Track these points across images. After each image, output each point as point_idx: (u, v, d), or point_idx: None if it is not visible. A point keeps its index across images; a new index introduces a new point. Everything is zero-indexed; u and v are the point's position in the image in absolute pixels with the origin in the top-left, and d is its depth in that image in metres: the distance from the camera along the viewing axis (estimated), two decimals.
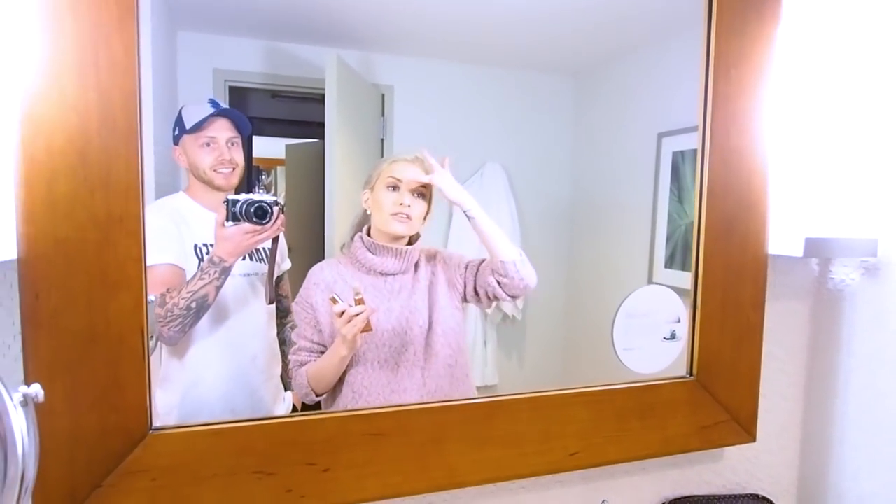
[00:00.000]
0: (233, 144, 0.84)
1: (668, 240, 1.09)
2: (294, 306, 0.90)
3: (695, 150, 0.97)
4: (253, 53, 0.91)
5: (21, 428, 0.47)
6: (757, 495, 1.05)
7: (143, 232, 0.68)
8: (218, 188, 0.83)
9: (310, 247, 0.97)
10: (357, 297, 0.84)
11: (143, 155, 0.68)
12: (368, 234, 0.92)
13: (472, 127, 1.07)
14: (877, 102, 0.97)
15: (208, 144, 0.82)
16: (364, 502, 0.80)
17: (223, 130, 0.83)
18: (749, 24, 0.94)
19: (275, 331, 0.90)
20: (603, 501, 0.91)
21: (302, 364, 0.89)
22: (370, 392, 0.88)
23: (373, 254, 0.90)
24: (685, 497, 1.02)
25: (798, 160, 1.00)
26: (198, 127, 0.81)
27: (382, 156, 1.01)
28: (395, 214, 0.90)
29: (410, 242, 0.93)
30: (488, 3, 1.02)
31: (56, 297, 0.64)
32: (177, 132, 0.81)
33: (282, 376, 0.90)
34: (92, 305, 0.66)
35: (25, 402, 0.47)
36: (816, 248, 0.96)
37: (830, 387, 1.06)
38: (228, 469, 0.73)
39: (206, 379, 0.83)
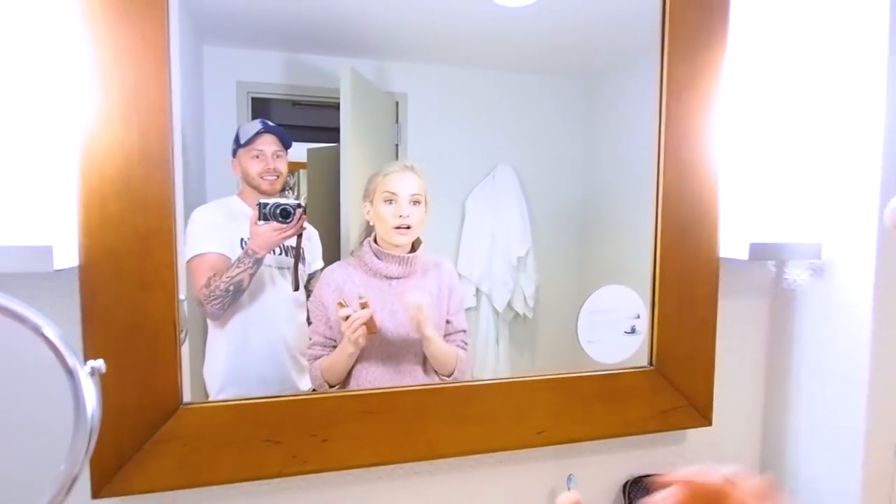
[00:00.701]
0: (277, 157, 0.98)
1: None
2: (309, 305, 1.01)
3: None
4: (273, 65, 0.98)
5: (90, 393, 0.62)
6: None
7: (175, 243, 0.84)
8: (264, 192, 0.98)
9: (329, 243, 1.04)
10: (361, 302, 0.97)
11: (176, 180, 0.84)
12: (375, 241, 1.01)
13: (484, 130, 1.11)
14: (815, 119, 1.08)
15: (257, 156, 0.97)
16: (357, 468, 0.95)
17: (269, 144, 0.98)
18: (698, 52, 1.06)
19: (304, 316, 1.02)
20: (569, 475, 1.03)
21: (316, 358, 1.00)
22: (368, 388, 1.00)
23: (379, 259, 1.01)
24: (649, 475, 1.13)
25: (746, 171, 1.11)
26: (249, 142, 0.97)
27: (397, 159, 1.08)
28: (397, 228, 1.00)
29: (414, 247, 1.03)
30: (498, 10, 1.06)
31: (106, 296, 0.81)
32: (234, 147, 0.97)
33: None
34: (134, 303, 0.82)
35: (93, 372, 0.63)
36: (762, 252, 1.07)
37: (784, 377, 1.17)
38: (244, 438, 0.88)
39: (243, 350, 0.97)
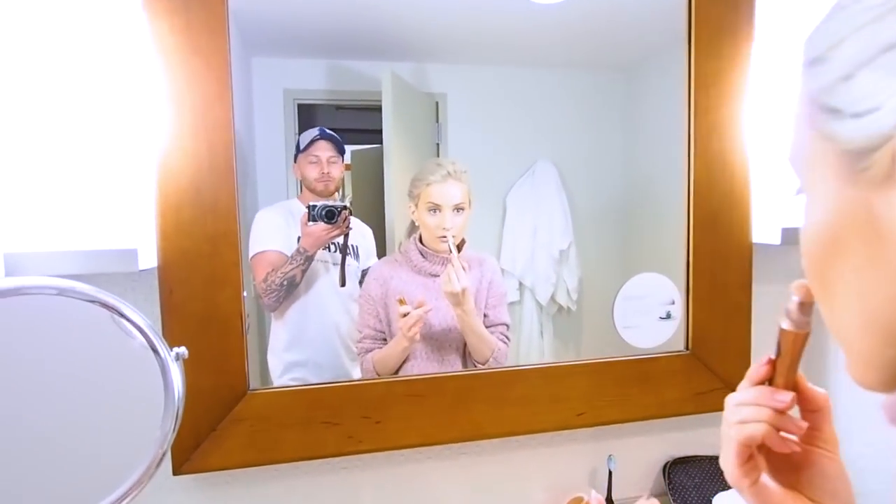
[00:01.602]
0: (332, 162, 1.04)
1: None
2: (359, 299, 1.06)
3: None
4: (317, 72, 1.02)
5: (177, 376, 0.71)
6: None
7: (240, 244, 0.93)
8: (319, 195, 1.04)
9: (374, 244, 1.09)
10: (418, 302, 1.03)
11: (239, 185, 0.93)
12: (421, 241, 1.06)
13: (522, 127, 1.12)
14: None
15: (314, 162, 1.04)
16: (407, 448, 1.02)
17: (325, 150, 1.04)
18: (724, 46, 1.09)
19: (356, 308, 1.09)
20: (609, 456, 1.08)
21: (367, 350, 1.04)
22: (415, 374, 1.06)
23: (424, 258, 1.06)
24: (688, 456, 1.17)
25: (777, 158, 1.14)
26: (307, 148, 1.03)
27: (438, 157, 1.10)
28: (441, 238, 1.04)
29: (458, 247, 1.05)
30: (531, 7, 1.08)
31: (182, 292, 0.91)
32: (295, 152, 1.03)
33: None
34: (206, 297, 0.91)
35: (178, 357, 0.72)
36: (794, 237, 1.09)
37: (822, 357, 1.18)
38: (304, 419, 0.97)
39: (300, 339, 1.04)
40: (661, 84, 1.17)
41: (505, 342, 1.10)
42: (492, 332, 1.09)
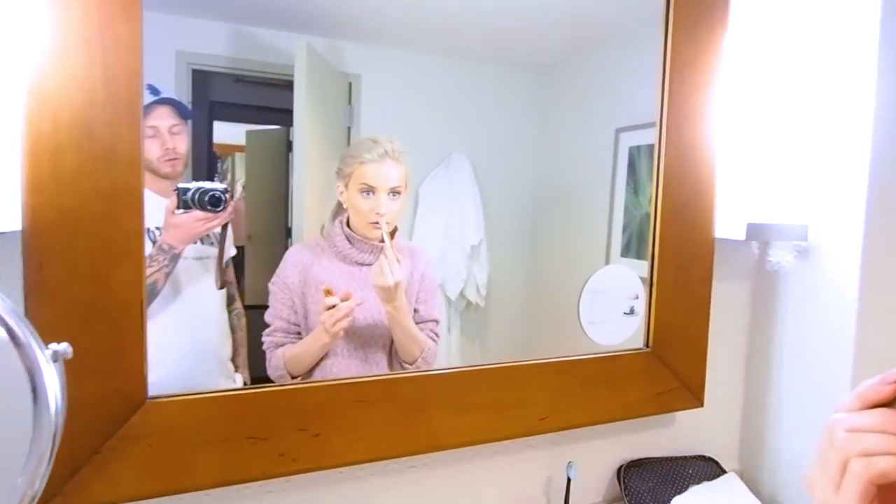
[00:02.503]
0: (174, 133, 0.83)
1: (624, 229, 1.17)
2: (270, 286, 0.91)
3: (650, 146, 1.06)
4: (219, 36, 0.90)
5: (53, 383, 0.49)
6: (704, 456, 1.16)
7: (144, 206, 0.71)
8: (165, 177, 0.83)
9: (272, 234, 0.98)
10: (343, 292, 0.88)
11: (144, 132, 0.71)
12: (348, 225, 0.93)
13: (439, 118, 1.08)
14: (807, 101, 1.09)
15: (153, 135, 0.81)
16: (353, 465, 0.85)
17: (165, 118, 0.82)
18: (700, 31, 1.04)
19: (226, 314, 0.91)
20: (569, 462, 0.99)
21: (278, 345, 0.90)
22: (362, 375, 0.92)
23: (351, 244, 0.93)
24: (642, 459, 1.11)
25: (741, 153, 1.11)
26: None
27: (349, 143, 1.02)
28: (373, 223, 0.92)
29: (391, 235, 0.94)
30: None
31: (59, 266, 0.66)
32: None
33: (232, 358, 0.92)
34: (95, 276, 0.68)
35: (55, 357, 0.50)
36: (756, 232, 1.07)
37: (767, 357, 1.18)
38: (224, 435, 0.77)
39: (163, 362, 0.80)
40: (574, 86, 1.19)
41: (434, 340, 1.00)
42: (421, 329, 0.98)
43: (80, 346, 0.67)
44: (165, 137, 0.82)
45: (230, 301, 0.92)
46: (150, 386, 0.74)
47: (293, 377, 0.90)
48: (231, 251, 0.91)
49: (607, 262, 1.18)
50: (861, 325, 1.03)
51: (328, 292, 0.88)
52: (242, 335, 0.93)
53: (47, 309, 0.66)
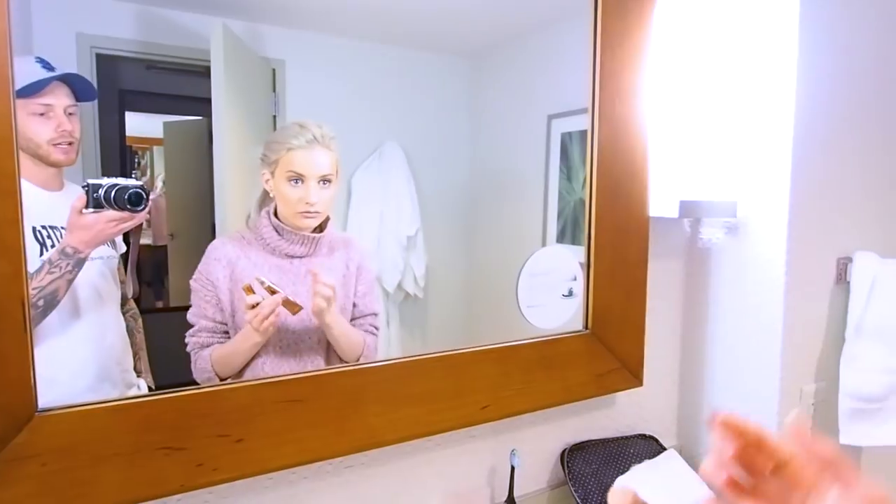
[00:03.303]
0: (71, 115, 0.73)
1: (559, 216, 1.16)
2: (193, 283, 0.84)
3: (582, 132, 1.05)
4: (124, 17, 0.81)
5: None
6: (644, 435, 1.16)
7: (20, 191, 0.61)
8: (55, 164, 0.73)
9: (196, 230, 0.92)
10: (267, 286, 0.81)
11: (17, 107, 0.61)
12: (276, 215, 0.87)
13: (369, 106, 1.04)
14: (736, 78, 1.11)
15: (43, 114, 0.71)
16: (282, 469, 0.79)
17: (61, 98, 0.72)
18: (629, 6, 1.03)
19: (122, 319, 0.82)
20: (512, 450, 0.96)
21: (204, 346, 0.83)
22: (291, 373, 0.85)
23: (280, 236, 0.86)
24: (584, 442, 1.10)
25: (672, 130, 1.11)
26: (30, 92, 0.69)
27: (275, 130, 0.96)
28: (303, 213, 0.86)
29: (321, 226, 0.89)
30: None
31: None
32: None
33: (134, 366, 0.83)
34: None
35: None
36: (689, 210, 1.07)
37: (701, 334, 1.20)
38: (131, 447, 0.68)
39: (62, 378, 0.72)
40: (505, 73, 1.17)
41: (374, 333, 0.95)
42: (359, 325, 0.93)
43: None
44: (61, 119, 0.72)
45: (124, 301, 0.83)
46: (48, 405, 0.65)
47: (222, 379, 0.83)
48: (121, 248, 0.82)
49: (543, 247, 1.17)
50: (789, 298, 1.06)
51: (248, 290, 0.81)
52: (141, 337, 0.84)
53: None
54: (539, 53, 1.18)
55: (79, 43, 0.77)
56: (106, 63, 0.79)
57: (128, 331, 0.82)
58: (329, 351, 0.89)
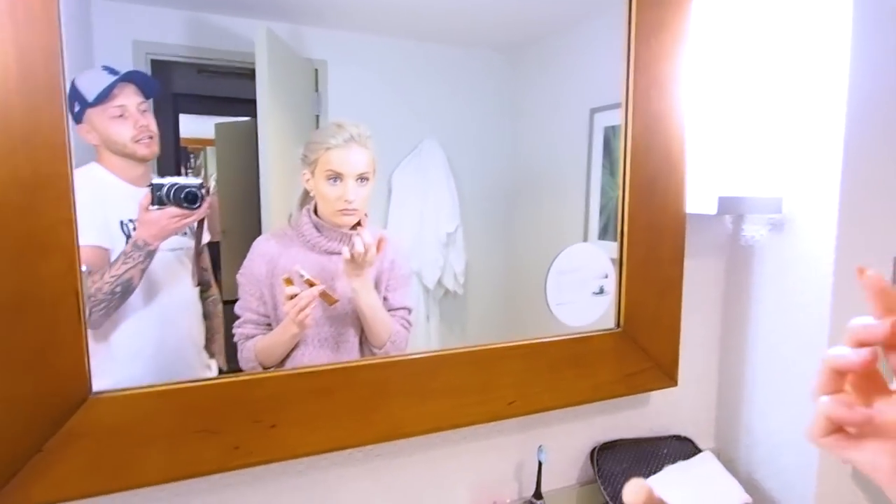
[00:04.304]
0: (144, 111, 0.80)
1: (601, 212, 1.14)
2: (239, 278, 0.89)
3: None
4: (176, 24, 0.86)
5: None
6: (679, 436, 1.14)
7: (74, 194, 0.67)
8: (143, 160, 0.80)
9: (245, 228, 0.95)
10: (306, 279, 0.85)
11: (69, 114, 0.67)
12: (316, 213, 0.90)
13: (408, 104, 1.05)
14: (781, 71, 1.06)
15: (121, 115, 0.77)
16: (311, 455, 0.83)
17: (131, 97, 0.78)
18: None
19: (200, 302, 0.88)
20: (539, 446, 0.97)
21: (248, 337, 0.88)
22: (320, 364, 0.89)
23: (319, 233, 0.90)
24: (615, 440, 1.09)
25: (711, 123, 1.08)
26: (103, 97, 0.76)
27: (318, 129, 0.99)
28: (342, 210, 0.89)
29: (358, 222, 0.92)
30: None
31: None
32: (77, 108, 0.75)
33: (206, 346, 0.90)
34: (20, 269, 0.64)
35: None
36: (728, 206, 1.04)
37: (742, 334, 1.16)
38: (174, 429, 0.74)
39: (140, 357, 0.81)
40: (547, 66, 1.15)
41: (405, 327, 0.97)
42: (392, 317, 0.95)
43: (10, 342, 0.65)
44: (136, 116, 0.79)
45: (206, 288, 0.89)
46: (127, 380, 0.73)
47: (265, 368, 0.88)
48: (205, 238, 0.88)
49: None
50: (837, 298, 1.01)
51: (288, 282, 0.85)
52: (218, 322, 0.90)
53: None
54: (581, 46, 1.15)
55: (135, 50, 0.83)
56: (160, 68, 0.84)
57: (206, 315, 0.89)
58: (363, 345, 0.92)
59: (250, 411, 0.78)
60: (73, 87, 0.74)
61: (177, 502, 0.79)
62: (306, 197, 0.92)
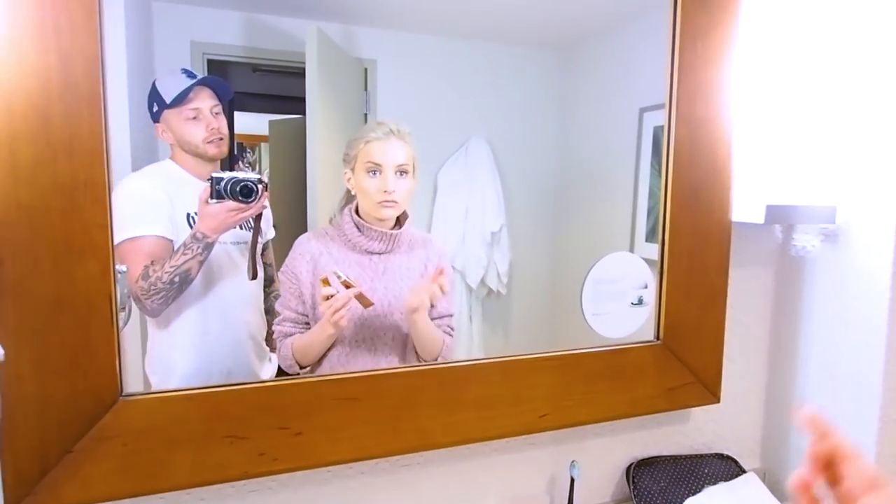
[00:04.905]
0: (217, 114, 0.83)
1: (648, 214, 1.09)
2: (280, 276, 0.89)
3: None
4: (231, 25, 0.88)
5: None
6: (722, 454, 1.08)
7: (110, 199, 0.68)
8: (212, 159, 0.83)
9: (294, 224, 0.95)
10: (343, 280, 0.85)
11: (109, 121, 0.68)
12: (357, 212, 0.90)
13: (456, 102, 1.05)
14: (835, 74, 1.00)
15: (195, 117, 0.81)
16: (336, 464, 0.82)
17: (206, 100, 0.82)
18: None
19: (262, 296, 0.90)
20: (572, 462, 0.93)
21: (287, 335, 0.88)
22: (347, 371, 0.89)
23: (360, 232, 0.90)
24: (653, 457, 1.05)
25: (760, 129, 1.02)
26: (180, 100, 0.80)
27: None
28: (382, 202, 0.89)
29: (399, 221, 0.92)
30: None
31: (21, 263, 0.64)
32: (155, 109, 0.80)
33: (266, 339, 0.92)
34: (58, 271, 0.66)
35: None
36: (777, 215, 0.98)
37: (792, 349, 1.10)
38: (201, 434, 0.74)
39: (200, 346, 0.83)
40: (596, 65, 1.13)
41: (450, 334, 0.96)
42: (438, 325, 0.94)
43: (46, 344, 0.67)
44: (209, 118, 0.82)
45: (269, 282, 0.91)
46: (179, 376, 0.78)
47: (302, 367, 0.88)
48: (270, 234, 0.90)
49: (632, 247, 1.12)
50: (894, 314, 0.94)
51: (325, 282, 0.85)
52: None
53: (10, 306, 0.64)
54: (630, 44, 1.12)
55: (192, 50, 0.85)
56: (216, 68, 0.86)
57: (268, 310, 0.91)
58: (405, 349, 0.91)
59: (276, 418, 0.78)
60: (154, 89, 0.79)
61: None
62: (348, 198, 0.92)
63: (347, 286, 0.85)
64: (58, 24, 0.64)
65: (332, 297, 0.84)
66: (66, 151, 0.65)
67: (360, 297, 0.87)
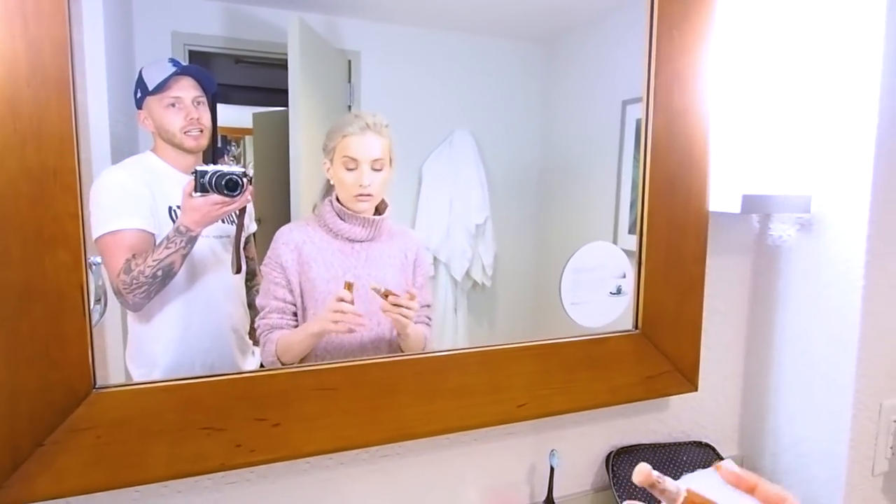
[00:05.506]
0: (199, 104, 0.82)
1: (631, 206, 1.09)
2: (262, 268, 0.89)
3: None
4: (213, 16, 0.87)
5: None
6: (700, 442, 1.10)
7: (80, 187, 0.67)
8: (189, 151, 0.82)
9: (278, 217, 0.95)
10: (384, 291, 0.86)
11: (80, 109, 0.67)
12: (338, 200, 0.91)
13: (440, 94, 1.05)
14: (810, 65, 1.01)
15: (174, 105, 0.80)
16: (315, 455, 0.82)
17: (188, 90, 0.81)
18: None
19: (244, 289, 0.89)
20: (552, 451, 0.94)
21: (273, 328, 0.87)
22: (325, 361, 0.88)
23: (342, 220, 0.90)
24: (632, 445, 1.06)
25: (736, 119, 1.03)
26: (161, 87, 0.79)
27: None
28: (357, 196, 0.89)
29: (379, 209, 0.92)
30: None
31: None
32: (139, 94, 0.79)
33: (249, 333, 0.91)
34: (27, 260, 0.65)
35: None
36: (753, 205, 1.00)
37: (768, 337, 1.11)
38: (176, 425, 0.73)
39: (183, 339, 0.82)
40: (579, 58, 1.14)
41: (428, 324, 0.96)
42: (416, 316, 0.93)
43: (15, 333, 0.65)
44: (189, 108, 0.81)
45: (251, 276, 0.91)
46: (170, 367, 0.78)
47: (283, 364, 0.86)
48: (252, 227, 0.89)
49: (615, 238, 1.12)
50: (867, 302, 0.96)
51: (349, 286, 0.85)
52: None
53: None
54: (614, 36, 1.13)
55: (174, 41, 0.84)
56: (198, 59, 0.85)
57: (251, 304, 0.90)
58: (391, 339, 0.91)
59: (253, 409, 0.77)
60: (139, 76, 0.78)
61: (179, 499, 0.79)
62: (328, 188, 0.92)
63: (387, 295, 0.86)
64: (24, 10, 0.62)
65: (342, 300, 0.84)
66: (34, 138, 0.64)
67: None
